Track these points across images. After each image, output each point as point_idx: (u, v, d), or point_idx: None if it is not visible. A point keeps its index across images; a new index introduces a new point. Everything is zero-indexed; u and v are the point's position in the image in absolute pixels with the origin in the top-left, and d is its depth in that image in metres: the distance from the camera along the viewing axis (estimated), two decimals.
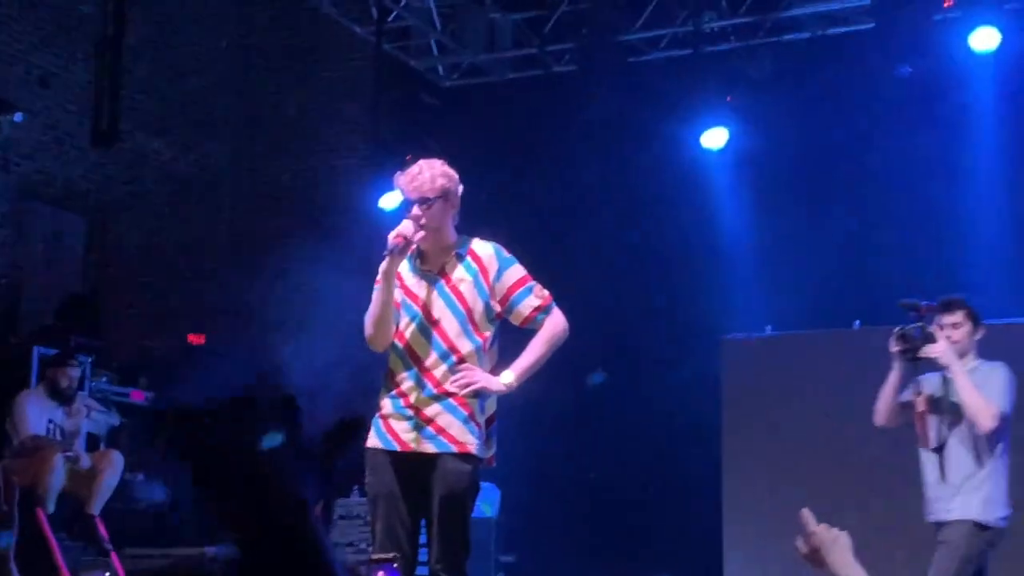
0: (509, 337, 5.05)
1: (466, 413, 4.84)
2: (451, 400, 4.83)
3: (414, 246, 4.92)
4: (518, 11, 10.65)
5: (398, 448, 4.86)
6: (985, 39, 8.84)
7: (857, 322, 8.73)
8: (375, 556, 4.36)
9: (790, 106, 9.69)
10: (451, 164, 5.11)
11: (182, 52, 11.92)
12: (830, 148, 9.62)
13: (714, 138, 9.76)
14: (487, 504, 9.27)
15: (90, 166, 11.06)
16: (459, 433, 4.82)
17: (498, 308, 4.95)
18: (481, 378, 4.85)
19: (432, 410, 4.82)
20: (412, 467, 4.84)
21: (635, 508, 9.76)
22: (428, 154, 5.20)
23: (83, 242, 11.03)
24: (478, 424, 4.88)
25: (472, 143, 10.57)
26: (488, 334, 4.94)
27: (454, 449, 4.79)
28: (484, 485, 9.17)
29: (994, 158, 9.24)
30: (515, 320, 4.98)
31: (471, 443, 4.83)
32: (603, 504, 9.95)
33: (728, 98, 9.70)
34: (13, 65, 10.35)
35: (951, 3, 9.09)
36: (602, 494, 10.00)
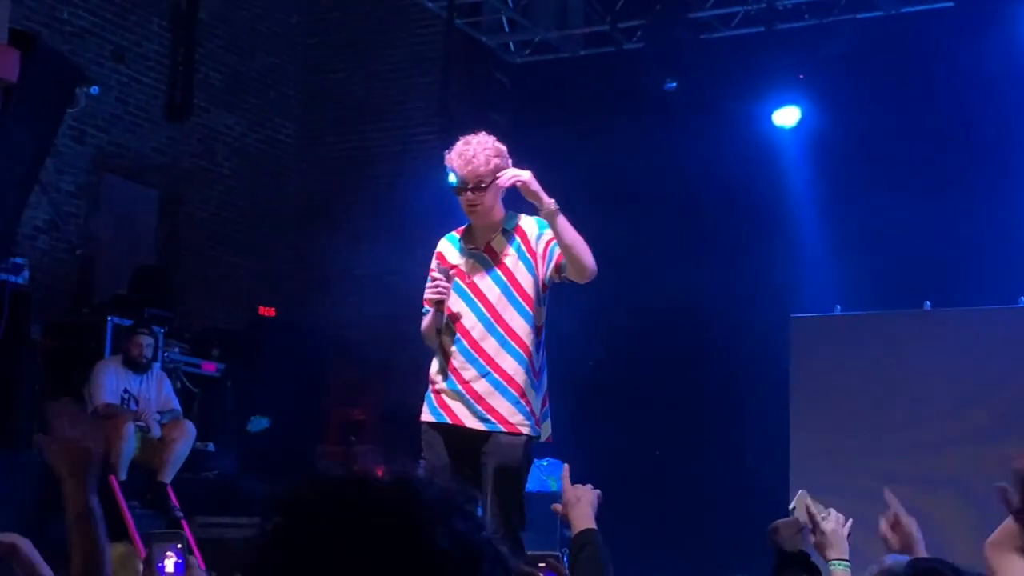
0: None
1: (516, 394, 4.84)
2: (501, 379, 4.84)
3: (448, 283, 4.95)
4: None
5: (450, 422, 4.90)
6: None
7: (928, 303, 8.65)
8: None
9: (863, 84, 9.59)
10: (521, 141, 5.12)
11: (253, 28, 12.00)
12: (903, 127, 9.51)
13: (786, 116, 9.69)
14: (553, 479, 9.29)
15: (163, 140, 11.18)
16: (509, 413, 4.84)
17: (542, 272, 4.93)
18: (530, 179, 4.82)
19: (482, 388, 4.84)
20: (464, 441, 4.88)
21: (700, 486, 9.74)
22: (497, 130, 5.20)
23: (155, 215, 11.16)
24: (528, 403, 4.88)
25: (541, 120, 10.57)
26: (539, 309, 4.93)
27: (503, 429, 4.83)
28: (550, 461, 9.21)
29: None
30: (553, 271, 4.93)
31: (521, 424, 4.84)
32: (668, 481, 9.94)
33: (801, 76, 9.62)
34: (89, 39, 10.48)
35: None
36: (667, 471, 9.98)
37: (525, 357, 4.88)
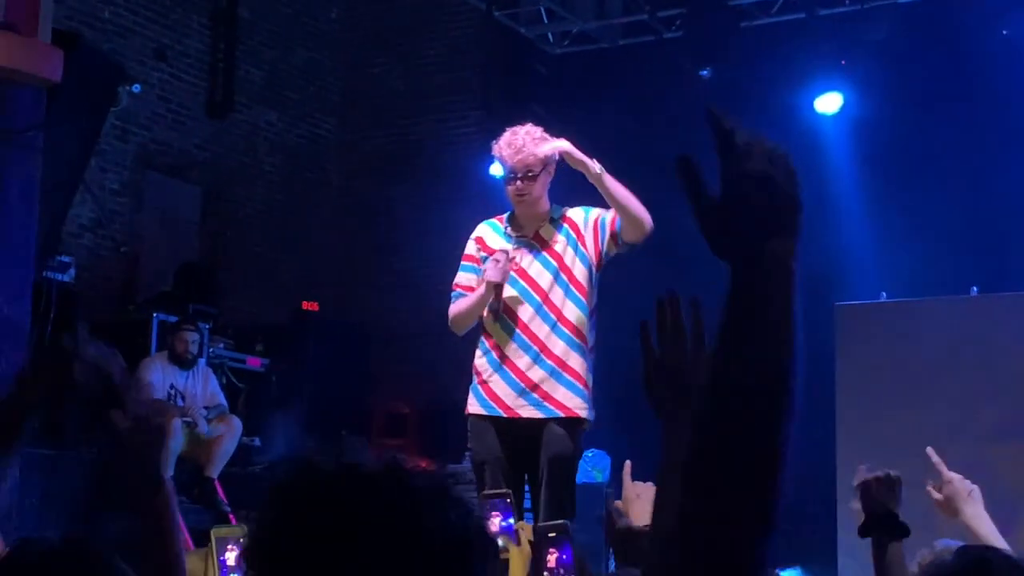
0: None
1: (571, 378, 4.82)
2: (555, 364, 4.82)
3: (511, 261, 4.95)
4: None
5: (503, 414, 4.86)
6: None
7: (975, 288, 8.57)
8: (488, 492, 4.40)
9: (905, 70, 9.50)
10: (561, 133, 5.10)
11: (292, 24, 12.04)
12: (946, 111, 9.42)
13: (828, 103, 9.62)
14: (598, 470, 9.29)
15: (205, 137, 11.24)
16: (565, 398, 4.81)
17: (598, 249, 4.91)
18: (571, 147, 4.84)
19: (536, 375, 4.82)
20: (516, 432, 4.84)
21: None
22: (539, 122, 5.20)
23: (198, 211, 11.23)
24: (586, 385, 4.85)
25: (582, 110, 10.54)
26: (591, 293, 4.91)
27: (560, 415, 4.78)
28: (595, 452, 9.21)
29: None
30: (610, 241, 4.90)
31: (579, 407, 4.81)
32: None
33: (843, 62, 9.55)
34: (130, 37, 10.55)
35: None
36: None
37: (578, 341, 4.86)
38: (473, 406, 4.98)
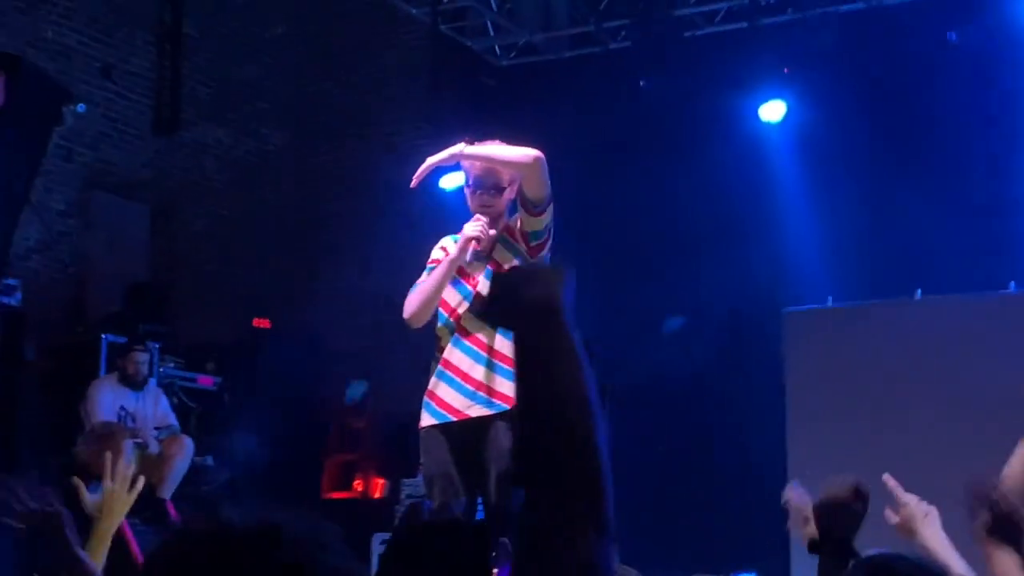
0: None
1: (512, 368, 4.79)
2: (502, 363, 4.80)
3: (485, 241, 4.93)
4: None
5: (452, 419, 4.84)
6: None
7: (919, 291, 8.68)
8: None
9: (848, 77, 9.62)
10: (510, 144, 5.11)
11: (239, 40, 12.01)
12: (889, 118, 9.54)
13: (772, 111, 9.71)
14: None
15: (152, 155, 11.18)
16: (511, 389, 4.77)
17: (524, 246, 4.89)
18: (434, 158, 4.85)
19: (482, 374, 4.80)
20: (466, 437, 4.81)
21: (698, 482, 9.75)
22: (487, 134, 5.21)
23: (147, 230, 11.17)
24: None
25: (530, 122, 10.57)
26: None
27: (507, 407, 4.73)
28: None
29: None
30: (524, 216, 4.89)
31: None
32: (667, 478, 9.95)
33: (786, 70, 9.64)
34: (74, 57, 10.49)
35: None
36: (666, 467, 9.99)
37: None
38: (425, 419, 4.97)
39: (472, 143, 4.96)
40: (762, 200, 9.88)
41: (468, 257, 4.91)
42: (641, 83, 9.86)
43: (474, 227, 4.88)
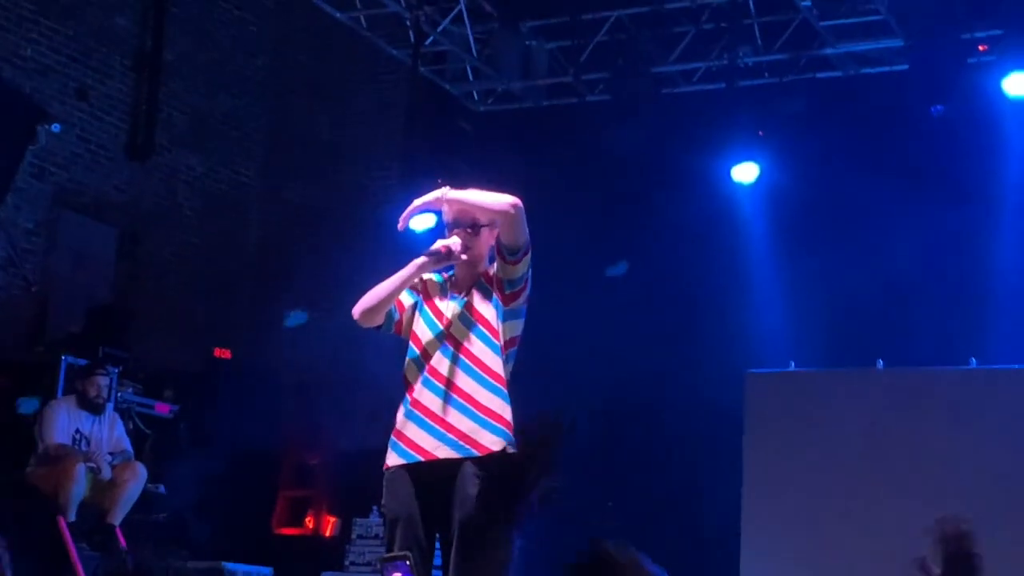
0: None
1: (485, 416, 4.74)
2: (472, 407, 4.76)
3: (451, 263, 4.92)
4: (554, 39, 10.70)
5: (420, 459, 4.77)
6: (1019, 84, 8.84)
7: (880, 362, 8.72)
8: (387, 555, 4.32)
9: (821, 143, 9.70)
10: (484, 189, 5.11)
11: (218, 69, 12.02)
12: (859, 185, 9.61)
13: (745, 172, 9.78)
14: None
15: (124, 178, 11.15)
16: (481, 436, 4.71)
17: (499, 295, 4.87)
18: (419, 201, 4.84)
19: (453, 417, 4.75)
20: (433, 478, 4.75)
21: (653, 540, 9.72)
22: (459, 177, 5.22)
23: (114, 253, 11.11)
24: (504, 423, 4.76)
25: (503, 168, 10.61)
26: (505, 332, 4.86)
27: (477, 454, 4.67)
28: None
29: None
30: (500, 264, 4.85)
31: (495, 443, 4.69)
32: (621, 533, 9.92)
33: (760, 133, 9.72)
34: (51, 76, 10.46)
35: (986, 48, 9.10)
36: (623, 527, 9.96)
37: (489, 379, 4.78)
38: (390, 458, 4.89)
39: (445, 185, 4.95)
40: (730, 260, 9.93)
41: (432, 271, 4.91)
42: (622, 135, 9.86)
43: (442, 242, 4.89)
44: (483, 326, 4.84)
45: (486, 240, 4.91)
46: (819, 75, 10.02)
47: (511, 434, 4.73)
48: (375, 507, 9.13)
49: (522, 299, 4.88)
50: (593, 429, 10.14)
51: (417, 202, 4.88)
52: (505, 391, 4.82)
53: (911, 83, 9.32)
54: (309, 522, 10.90)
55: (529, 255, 4.84)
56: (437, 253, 4.86)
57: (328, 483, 10.65)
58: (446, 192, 4.85)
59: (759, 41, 9.95)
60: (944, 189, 9.28)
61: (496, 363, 4.82)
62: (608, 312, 10.14)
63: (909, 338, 9.01)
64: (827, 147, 9.68)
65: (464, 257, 4.88)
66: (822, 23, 9.60)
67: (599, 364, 10.03)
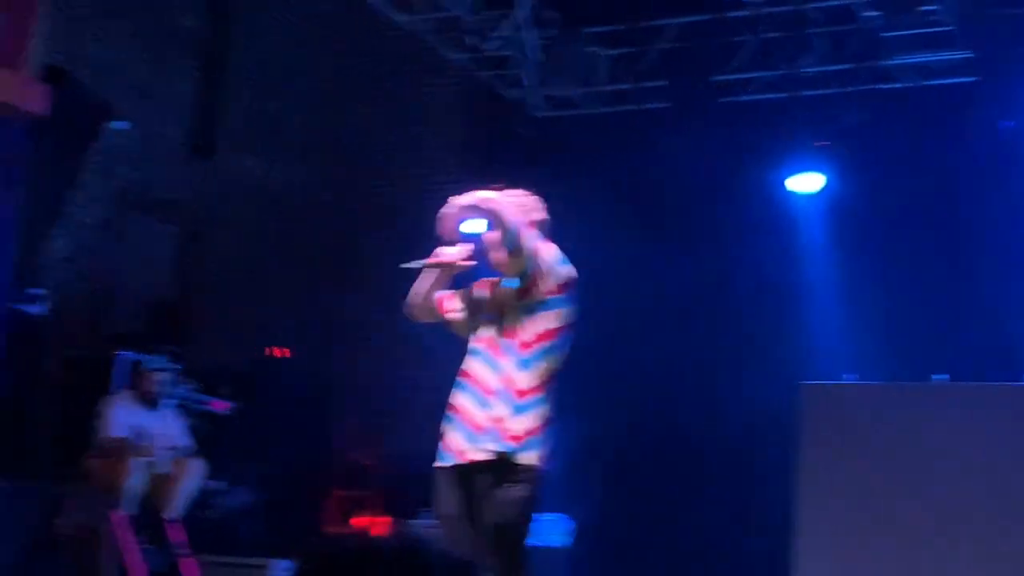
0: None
1: (494, 426, 4.78)
2: (489, 410, 4.80)
3: (455, 271, 5.01)
4: (614, 46, 10.71)
5: (456, 460, 4.85)
6: None
7: (938, 376, 8.64)
8: None
9: (882, 154, 9.65)
10: (539, 194, 5.15)
11: (280, 72, 12.11)
12: (921, 198, 9.55)
13: (804, 182, 9.74)
14: (558, 534, 9.28)
15: (185, 178, 11.26)
16: (513, 437, 4.75)
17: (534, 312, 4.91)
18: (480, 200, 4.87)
19: (483, 418, 4.80)
20: (468, 480, 4.82)
21: (708, 552, 9.70)
22: (518, 182, 5.24)
23: (174, 251, 11.24)
24: (535, 432, 4.80)
25: (561, 174, 10.64)
26: (538, 348, 4.88)
27: (505, 449, 4.71)
28: (557, 516, 9.19)
29: None
30: (512, 268, 4.90)
31: (496, 449, 4.73)
32: (675, 546, 9.90)
33: (821, 143, 9.68)
34: (118, 76, 10.59)
35: None
36: (676, 535, 9.94)
37: (502, 384, 4.81)
38: (437, 460, 4.99)
39: (503, 190, 4.99)
40: (786, 271, 9.89)
41: (447, 277, 5.04)
42: (680, 143, 9.83)
43: (442, 250, 5.00)
44: (505, 327, 4.90)
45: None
46: (881, 86, 9.96)
47: (508, 442, 4.75)
48: (425, 508, 9.17)
49: (537, 292, 4.86)
50: (645, 440, 10.15)
51: (461, 200, 4.93)
52: (515, 396, 4.82)
53: (978, 96, 9.24)
54: (360, 522, 10.96)
55: (529, 248, 4.82)
56: (428, 263, 4.99)
57: (381, 484, 10.70)
58: (453, 201, 4.91)
59: (820, 51, 9.91)
60: (1008, 204, 9.20)
61: (512, 367, 4.84)
62: (662, 321, 10.13)
63: (969, 352, 8.93)
64: (887, 159, 9.63)
65: (466, 264, 4.98)
66: (885, 33, 9.55)
67: (652, 374, 10.02)
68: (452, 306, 5.10)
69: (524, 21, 10.39)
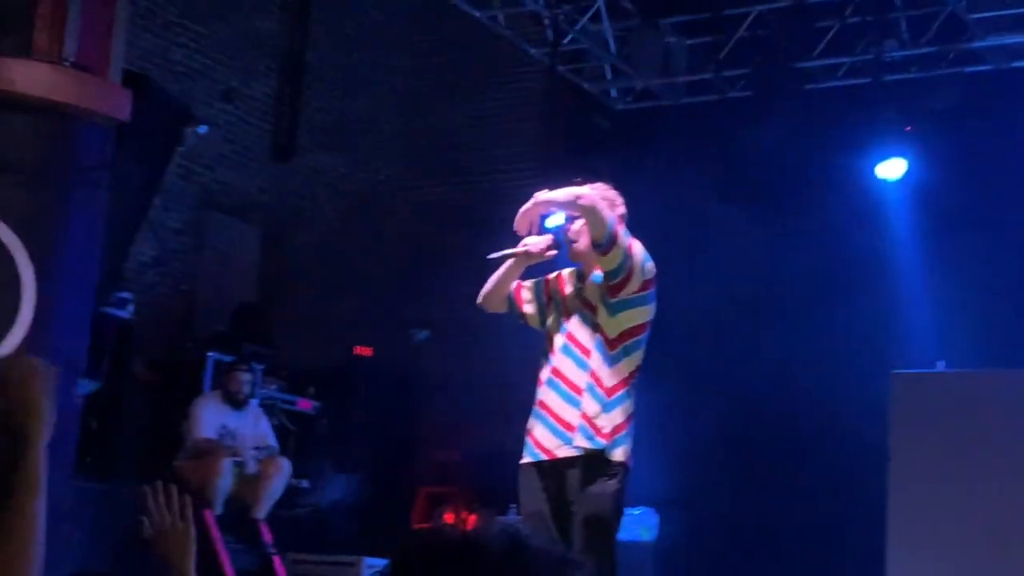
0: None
1: (583, 421, 4.74)
2: (578, 406, 4.77)
3: (531, 262, 4.98)
4: (694, 36, 10.60)
5: (544, 457, 4.83)
6: None
7: None
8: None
9: (970, 139, 9.45)
10: (620, 188, 5.10)
11: (358, 71, 12.16)
12: (1012, 183, 9.35)
13: (891, 168, 9.57)
14: (644, 528, 9.22)
15: (267, 179, 11.34)
16: (597, 435, 4.72)
17: (610, 313, 4.84)
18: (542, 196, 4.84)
19: (572, 415, 4.78)
20: (557, 477, 4.80)
21: (797, 543, 9.58)
22: (598, 176, 5.20)
23: (257, 253, 11.32)
24: (618, 429, 4.76)
25: (642, 166, 10.56)
26: (620, 345, 4.83)
27: (593, 445, 4.69)
28: (643, 510, 9.13)
29: None
30: (601, 264, 4.86)
31: (584, 444, 4.71)
32: (763, 537, 9.80)
33: (907, 128, 9.51)
34: (198, 79, 10.69)
35: None
36: (764, 527, 9.84)
37: (591, 379, 4.78)
38: (523, 457, 4.97)
39: (583, 184, 4.95)
40: (875, 258, 9.74)
41: (523, 266, 5.02)
42: (764, 131, 9.70)
43: (527, 240, 4.96)
44: (592, 324, 4.85)
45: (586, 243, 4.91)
46: (967, 69, 9.75)
47: (600, 439, 4.72)
48: (512, 505, 9.15)
49: (629, 289, 4.81)
50: (735, 429, 10.04)
51: (543, 196, 4.90)
52: (603, 393, 4.78)
53: None
54: (447, 518, 10.96)
55: (624, 244, 4.77)
56: (516, 252, 4.96)
57: (468, 480, 10.70)
58: (537, 197, 4.88)
59: (905, 35, 9.72)
60: None
61: (599, 364, 4.80)
62: (751, 310, 10.02)
63: None
64: (976, 142, 9.43)
65: (548, 254, 4.94)
66: (972, 15, 9.35)
67: (741, 363, 9.92)
68: (525, 297, 5.08)
69: (602, 13, 10.32)
